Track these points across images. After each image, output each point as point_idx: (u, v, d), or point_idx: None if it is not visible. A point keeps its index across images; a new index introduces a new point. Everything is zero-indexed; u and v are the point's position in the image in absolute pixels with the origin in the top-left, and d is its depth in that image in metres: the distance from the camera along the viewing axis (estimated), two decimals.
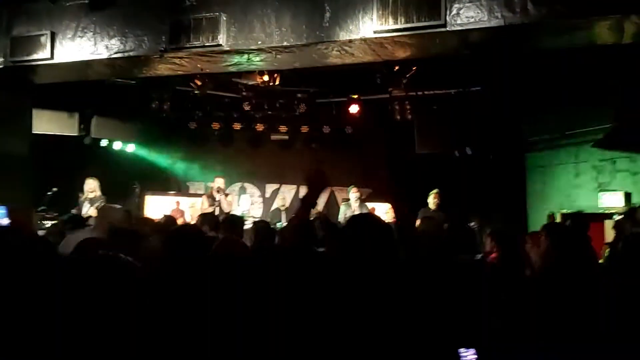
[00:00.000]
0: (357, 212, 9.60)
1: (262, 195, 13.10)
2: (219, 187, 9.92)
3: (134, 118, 11.14)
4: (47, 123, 9.49)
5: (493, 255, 4.45)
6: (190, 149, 12.40)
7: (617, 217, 7.82)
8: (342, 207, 10.83)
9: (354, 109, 10.86)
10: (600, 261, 4.68)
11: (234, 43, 6.24)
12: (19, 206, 7.51)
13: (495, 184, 9.61)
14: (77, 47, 6.97)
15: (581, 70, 7.94)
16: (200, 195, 10.88)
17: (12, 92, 8.01)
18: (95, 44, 6.87)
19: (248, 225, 6.07)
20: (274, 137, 12.33)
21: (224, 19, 6.22)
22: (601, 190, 8.95)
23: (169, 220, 5.86)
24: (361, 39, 5.74)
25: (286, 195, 12.33)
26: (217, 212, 9.68)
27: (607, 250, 5.72)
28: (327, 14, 5.81)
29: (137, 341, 1.29)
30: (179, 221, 7.26)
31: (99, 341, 1.25)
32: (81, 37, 6.95)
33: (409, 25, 5.41)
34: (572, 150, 9.13)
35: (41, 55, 7.06)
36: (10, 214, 7.09)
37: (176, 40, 6.39)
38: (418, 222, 7.54)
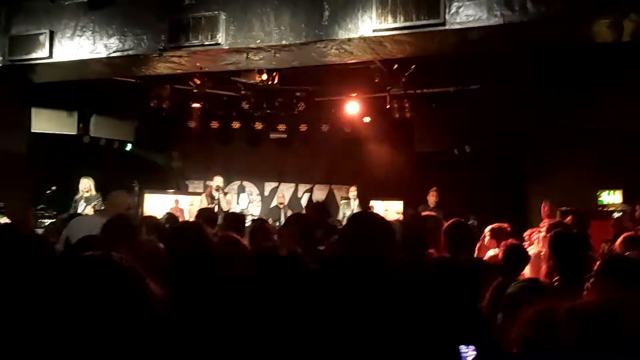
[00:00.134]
0: (356, 211, 9.62)
1: (261, 193, 13.10)
2: (217, 186, 9.92)
3: (133, 117, 11.13)
4: (46, 122, 9.49)
5: (491, 253, 4.45)
6: (189, 147, 12.39)
7: (616, 215, 7.84)
8: (342, 206, 10.86)
9: (352, 107, 10.85)
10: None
11: (233, 42, 6.24)
12: (18, 205, 7.51)
13: (494, 182, 9.63)
14: (76, 46, 6.96)
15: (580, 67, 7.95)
16: (199, 194, 10.90)
17: (10, 91, 8.01)
18: (94, 42, 6.87)
19: (247, 223, 6.07)
20: (272, 135, 12.32)
21: (223, 17, 6.22)
22: (601, 188, 8.96)
23: (172, 218, 5.88)
24: (360, 38, 5.74)
25: (285, 193, 12.33)
26: (216, 211, 9.69)
27: (606, 247, 5.73)
28: (326, 13, 5.81)
29: (135, 343, 1.29)
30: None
31: (97, 342, 1.25)
32: (80, 36, 6.94)
33: (408, 23, 5.41)
34: (572, 147, 9.12)
35: (40, 54, 7.05)
36: (8, 213, 7.08)
37: (175, 39, 6.39)
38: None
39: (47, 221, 7.84)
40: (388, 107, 10.49)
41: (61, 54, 7.05)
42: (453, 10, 5.24)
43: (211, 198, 9.97)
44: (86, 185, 8.56)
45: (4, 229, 4.88)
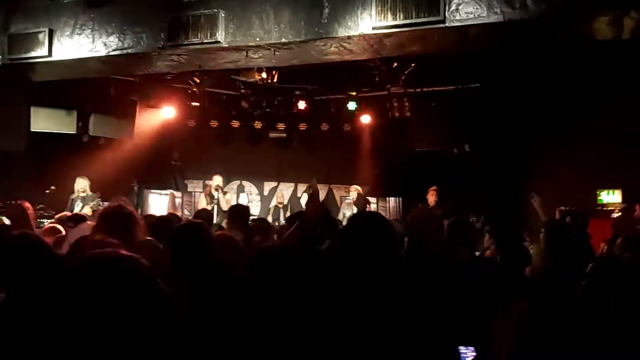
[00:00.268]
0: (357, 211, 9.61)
1: (260, 193, 13.09)
2: (217, 185, 9.92)
3: (132, 116, 11.10)
4: (45, 121, 9.46)
5: (489, 252, 4.44)
6: (189, 146, 12.37)
7: (615, 215, 7.85)
8: (344, 206, 10.86)
9: (351, 106, 10.84)
10: None
11: (233, 40, 6.22)
12: (16, 204, 7.49)
13: (494, 181, 9.62)
14: (75, 44, 6.95)
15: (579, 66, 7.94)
16: (198, 193, 10.91)
17: (9, 89, 7.99)
18: (94, 41, 6.85)
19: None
20: (272, 134, 12.31)
21: (223, 15, 6.20)
22: (600, 187, 8.96)
23: (174, 218, 5.86)
24: (360, 35, 5.72)
25: (284, 193, 12.33)
26: (215, 210, 9.69)
27: (605, 247, 5.73)
28: (326, 10, 5.79)
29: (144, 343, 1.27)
30: None
31: (109, 340, 1.24)
32: (79, 34, 6.93)
33: (407, 21, 5.39)
34: (572, 146, 9.12)
35: (39, 52, 7.04)
36: (7, 212, 7.07)
37: (174, 37, 6.38)
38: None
39: (46, 221, 7.82)
40: (388, 105, 10.50)
41: (60, 52, 7.03)
42: (453, 7, 5.23)
43: (210, 197, 9.97)
44: (82, 185, 8.58)
45: (3, 229, 4.87)
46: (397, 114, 10.42)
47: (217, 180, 10.06)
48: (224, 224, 7.11)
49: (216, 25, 6.18)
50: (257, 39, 6.10)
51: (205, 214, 6.92)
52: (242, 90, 10.62)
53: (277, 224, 9.16)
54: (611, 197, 9.02)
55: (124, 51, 6.71)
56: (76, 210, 8.22)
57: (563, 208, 8.37)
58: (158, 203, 11.52)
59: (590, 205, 8.60)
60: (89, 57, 6.94)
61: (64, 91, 9.25)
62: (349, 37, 5.80)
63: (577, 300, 2.70)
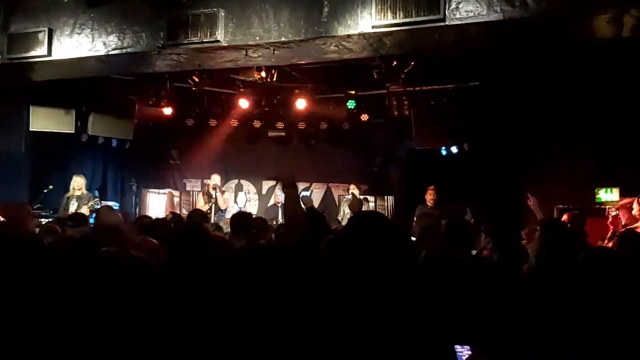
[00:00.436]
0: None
1: (258, 192, 13.08)
2: (215, 184, 9.92)
3: (130, 115, 11.10)
4: (43, 120, 9.46)
5: (486, 251, 4.45)
6: (187, 145, 12.36)
7: (613, 213, 7.84)
8: (343, 205, 10.86)
9: (350, 104, 10.84)
10: None
11: (232, 39, 6.22)
12: (15, 203, 7.49)
13: (493, 180, 9.62)
14: (75, 43, 6.95)
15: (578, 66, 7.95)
16: (197, 192, 10.91)
17: (9, 89, 7.98)
18: (93, 40, 6.85)
19: None
20: (271, 133, 12.30)
21: (222, 14, 6.20)
22: (598, 186, 8.97)
23: (176, 217, 5.89)
24: (359, 34, 5.72)
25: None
26: (213, 209, 9.70)
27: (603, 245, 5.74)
28: (326, 9, 5.79)
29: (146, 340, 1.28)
30: None
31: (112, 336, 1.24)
32: (79, 33, 6.93)
33: (407, 19, 5.39)
34: (570, 145, 9.13)
35: (38, 52, 7.02)
36: (4, 211, 7.07)
37: (174, 36, 6.37)
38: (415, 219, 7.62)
39: (44, 220, 7.82)
40: (387, 104, 10.50)
41: (60, 51, 7.03)
42: (453, 6, 5.23)
43: (208, 196, 9.97)
44: (78, 183, 8.57)
45: (1, 226, 4.87)
46: (396, 113, 10.41)
47: (216, 179, 10.06)
48: (221, 224, 7.14)
49: (216, 25, 6.18)
50: (257, 38, 6.10)
51: (199, 214, 6.94)
52: (242, 89, 10.61)
53: (274, 223, 9.15)
54: (609, 195, 9.01)
55: (124, 50, 6.71)
56: (71, 209, 8.21)
57: (561, 206, 8.38)
58: (156, 202, 11.53)
59: (588, 203, 8.61)
60: (89, 57, 6.94)
61: (62, 90, 9.25)
62: (348, 36, 5.80)
63: (569, 292, 2.71)
